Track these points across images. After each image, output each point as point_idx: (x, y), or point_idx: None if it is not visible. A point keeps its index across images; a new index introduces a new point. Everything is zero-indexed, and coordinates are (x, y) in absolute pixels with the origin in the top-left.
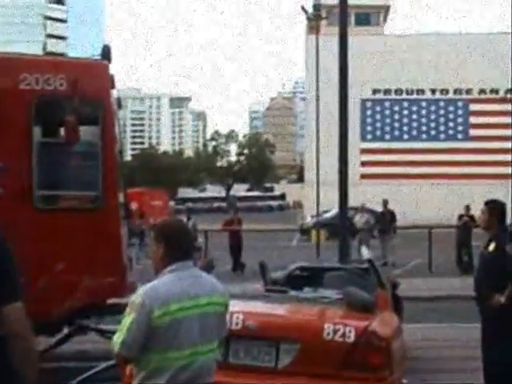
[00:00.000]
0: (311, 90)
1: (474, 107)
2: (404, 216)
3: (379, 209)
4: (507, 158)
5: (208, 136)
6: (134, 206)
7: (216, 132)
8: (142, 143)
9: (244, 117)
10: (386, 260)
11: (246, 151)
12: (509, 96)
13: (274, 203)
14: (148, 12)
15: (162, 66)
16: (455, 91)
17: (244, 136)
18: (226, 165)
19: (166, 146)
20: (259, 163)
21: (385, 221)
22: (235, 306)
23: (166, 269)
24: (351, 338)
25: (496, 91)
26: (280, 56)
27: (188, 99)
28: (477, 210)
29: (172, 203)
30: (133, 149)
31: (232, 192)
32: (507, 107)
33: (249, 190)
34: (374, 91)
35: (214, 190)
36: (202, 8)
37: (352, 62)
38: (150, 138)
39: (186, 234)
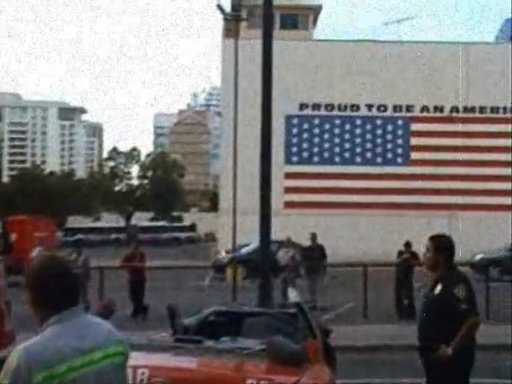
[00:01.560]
0: (228, 103)
1: (415, 127)
2: (335, 252)
3: (306, 243)
4: (453, 185)
5: (105, 154)
6: (13, 237)
7: (114, 150)
8: (24, 161)
9: (148, 133)
10: (315, 303)
11: (149, 173)
12: (455, 114)
13: (182, 235)
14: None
15: (48, 68)
16: (394, 108)
17: (148, 155)
18: (126, 189)
19: (53, 165)
20: (165, 188)
21: (313, 257)
22: (139, 359)
23: (48, 320)
24: None
25: (440, 109)
26: (191, 62)
27: (81, 110)
28: (419, 246)
29: (59, 234)
30: (11, 168)
31: (133, 222)
32: (454, 127)
33: (153, 220)
34: (302, 106)
35: (110, 219)
36: (97, 3)
37: (276, 72)
38: (33, 155)
39: (66, 275)
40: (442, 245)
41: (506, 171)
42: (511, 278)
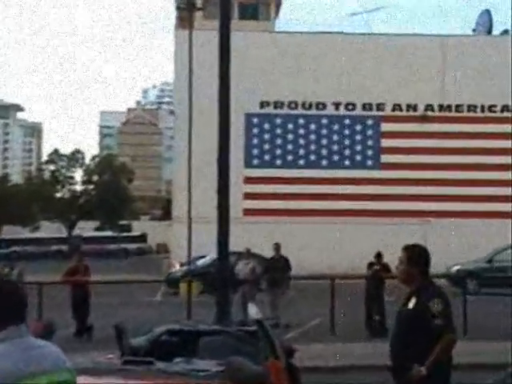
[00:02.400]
0: (181, 101)
1: (386, 127)
2: (300, 263)
3: (268, 254)
4: (428, 190)
5: (44, 157)
6: None
7: (55, 152)
8: None
9: (93, 133)
10: (278, 320)
11: (95, 178)
12: (429, 113)
13: (131, 246)
14: None
15: None
16: (364, 106)
17: (93, 158)
18: (69, 196)
19: None
20: (113, 194)
21: (277, 269)
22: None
23: None
24: None
25: (414, 107)
26: (140, 55)
27: (16, 107)
28: (391, 257)
29: None
30: None
31: (76, 231)
32: (428, 127)
33: (98, 229)
34: (263, 104)
35: (51, 229)
36: None
37: (235, 66)
38: None
39: (14, 290)
40: (417, 256)
41: (485, 175)
42: (490, 292)
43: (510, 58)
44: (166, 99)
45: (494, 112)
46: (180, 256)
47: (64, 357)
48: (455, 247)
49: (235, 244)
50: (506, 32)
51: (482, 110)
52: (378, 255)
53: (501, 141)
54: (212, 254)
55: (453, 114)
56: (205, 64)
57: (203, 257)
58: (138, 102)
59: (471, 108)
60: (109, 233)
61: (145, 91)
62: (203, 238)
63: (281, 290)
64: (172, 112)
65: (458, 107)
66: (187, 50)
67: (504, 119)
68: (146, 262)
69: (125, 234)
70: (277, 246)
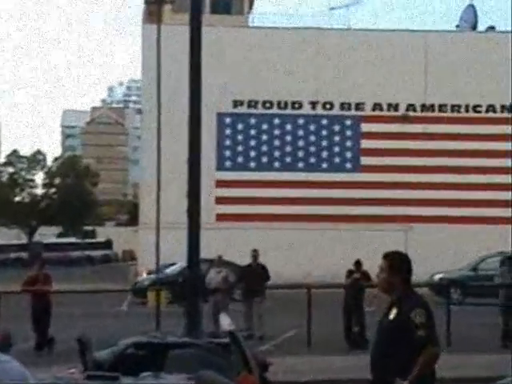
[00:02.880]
0: (150, 100)
1: (366, 127)
2: (275, 271)
3: (242, 261)
4: (410, 194)
5: (2, 159)
6: None
7: (14, 153)
8: None
9: (55, 133)
10: (252, 331)
11: (57, 181)
12: (411, 113)
13: (96, 253)
14: None
15: None
16: (342, 106)
17: (55, 160)
18: (29, 200)
19: None
20: (76, 198)
21: (253, 278)
22: None
23: None
24: None
25: (395, 107)
26: (106, 50)
27: None
28: (372, 264)
29: None
30: None
31: (37, 238)
32: (410, 128)
33: (61, 236)
34: (236, 103)
35: (9, 236)
36: None
37: (206, 63)
38: None
39: None
40: (398, 263)
41: (470, 178)
42: (475, 302)
43: (496, 56)
44: (133, 97)
45: (479, 112)
46: (147, 264)
47: (27, 372)
48: (438, 254)
49: (207, 251)
50: (491, 28)
51: (467, 110)
52: (358, 263)
53: (486, 142)
54: (182, 262)
55: (436, 113)
56: (174, 60)
57: (172, 264)
58: (104, 101)
59: (455, 108)
60: (72, 239)
61: (110, 89)
62: (172, 244)
63: (258, 300)
64: (139, 111)
65: (442, 107)
66: (155, 45)
67: (490, 120)
68: (112, 270)
69: (89, 241)
70: (255, 253)
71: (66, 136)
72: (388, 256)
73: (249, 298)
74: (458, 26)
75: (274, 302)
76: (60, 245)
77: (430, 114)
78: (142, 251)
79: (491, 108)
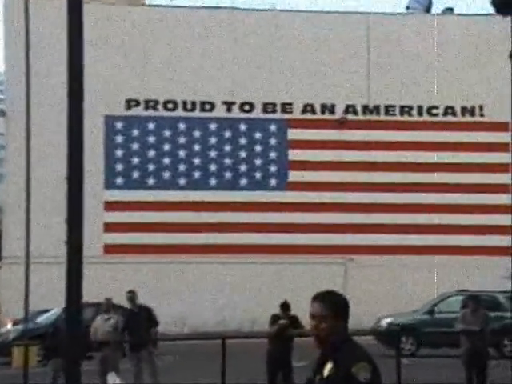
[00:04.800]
0: (16, 98)
1: (295, 134)
2: (181, 317)
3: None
4: (350, 218)
5: None
6: None
7: None
8: None
9: None
10: None
11: None
12: (350, 117)
13: None
14: None
15: None
16: (265, 107)
17: None
18: None
19: None
20: None
21: (135, 326)
22: None
23: None
24: None
25: (331, 108)
26: None
27: None
28: (302, 307)
29: None
30: None
31: None
32: (349, 135)
33: None
34: (129, 103)
35: None
36: None
37: (90, 51)
38: None
39: None
40: (334, 307)
41: (423, 198)
42: (431, 353)
43: (454, 43)
44: None
45: (435, 115)
46: (13, 311)
47: None
48: (386, 293)
49: (91, 292)
50: (449, 10)
51: (420, 113)
52: (285, 305)
53: (443, 153)
54: (58, 308)
55: (381, 117)
56: (48, 47)
57: (46, 311)
58: None
59: (405, 110)
60: None
61: None
62: (46, 285)
63: (145, 353)
64: (3, 113)
65: (388, 109)
66: (23, 27)
67: (447, 124)
68: None
69: None
70: (131, 295)
71: None
72: (319, 297)
73: (135, 350)
74: (408, 8)
75: (180, 356)
76: None
77: (373, 118)
78: (7, 294)
79: (450, 110)
